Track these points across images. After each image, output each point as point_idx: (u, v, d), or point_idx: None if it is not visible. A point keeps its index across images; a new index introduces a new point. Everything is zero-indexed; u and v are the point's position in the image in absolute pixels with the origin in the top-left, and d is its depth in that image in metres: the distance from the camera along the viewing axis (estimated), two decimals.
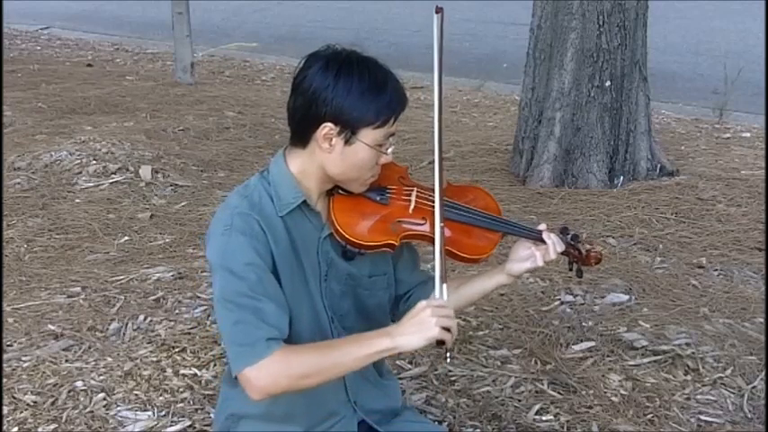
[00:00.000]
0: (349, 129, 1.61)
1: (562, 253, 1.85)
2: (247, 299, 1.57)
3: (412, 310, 1.57)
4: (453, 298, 1.88)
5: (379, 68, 1.65)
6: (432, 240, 1.70)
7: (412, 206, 1.75)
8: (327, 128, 1.61)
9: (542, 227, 1.84)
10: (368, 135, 1.63)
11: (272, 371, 1.55)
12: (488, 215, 1.82)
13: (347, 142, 1.63)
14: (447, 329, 1.54)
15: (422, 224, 1.74)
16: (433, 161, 1.72)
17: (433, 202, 1.72)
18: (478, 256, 1.81)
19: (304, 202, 1.69)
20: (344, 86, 1.59)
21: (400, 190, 1.77)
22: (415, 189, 1.78)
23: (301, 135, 1.66)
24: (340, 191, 1.73)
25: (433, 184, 1.72)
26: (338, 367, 1.59)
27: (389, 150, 1.69)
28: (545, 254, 1.80)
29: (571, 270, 1.91)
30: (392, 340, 1.55)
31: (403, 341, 1.55)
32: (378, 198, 1.75)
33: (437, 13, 1.69)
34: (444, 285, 1.63)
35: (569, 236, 1.89)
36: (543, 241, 1.80)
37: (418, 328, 1.54)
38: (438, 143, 1.73)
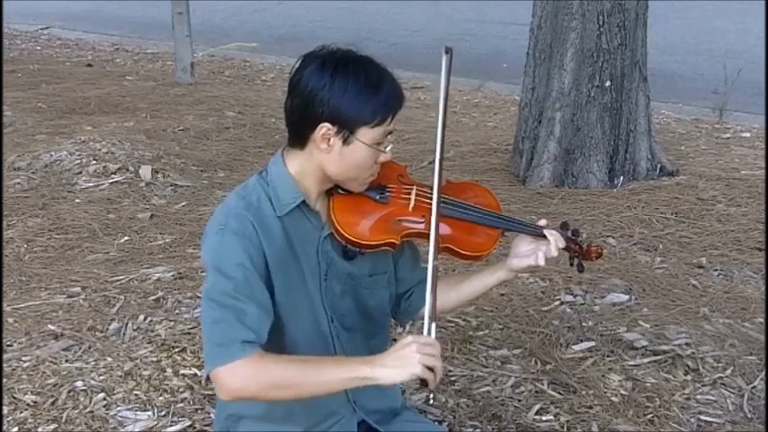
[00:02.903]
0: (347, 128, 1.61)
1: (563, 248, 1.85)
2: (231, 299, 1.56)
3: (397, 343, 1.55)
4: (455, 294, 1.89)
5: (374, 67, 1.64)
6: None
7: (412, 204, 1.75)
8: (325, 128, 1.61)
9: (543, 222, 1.84)
10: (366, 134, 1.62)
11: (242, 374, 1.53)
12: (488, 212, 1.82)
13: (345, 142, 1.62)
14: (431, 369, 1.50)
15: (422, 222, 1.73)
16: (434, 161, 1.72)
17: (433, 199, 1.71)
18: (478, 254, 1.81)
19: (303, 201, 1.69)
20: (340, 86, 1.59)
21: (400, 188, 1.77)
22: (415, 187, 1.78)
23: (299, 136, 1.66)
24: (339, 190, 1.73)
25: (432, 182, 1.71)
26: (311, 386, 1.55)
27: (388, 148, 1.69)
28: (547, 251, 1.79)
29: (572, 265, 1.92)
30: (372, 370, 1.51)
31: (382, 373, 1.51)
32: (377, 197, 1.74)
33: (446, 53, 1.67)
34: (433, 324, 1.59)
35: (569, 231, 1.89)
36: (544, 237, 1.80)
37: (400, 363, 1.51)
38: (438, 168, 1.71)
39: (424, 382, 1.52)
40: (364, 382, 1.53)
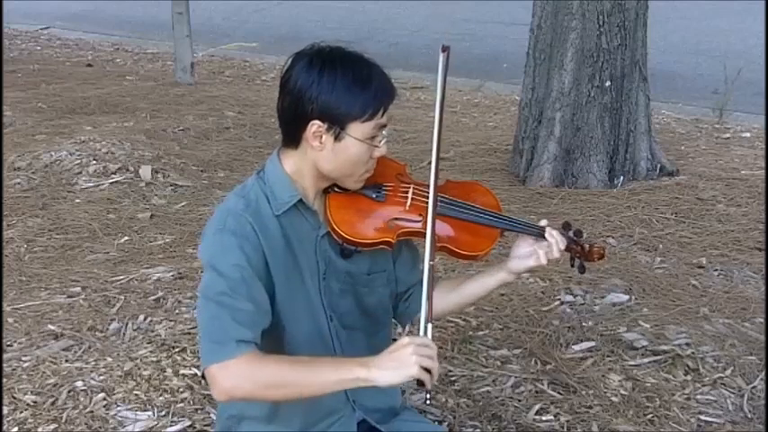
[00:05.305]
0: (337, 124, 1.61)
1: (564, 249, 1.84)
2: (227, 298, 1.56)
3: (394, 344, 1.53)
4: (455, 297, 1.88)
5: (363, 62, 1.64)
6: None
7: (408, 203, 1.75)
8: (316, 125, 1.61)
9: (543, 222, 1.83)
10: (357, 129, 1.62)
11: (236, 373, 1.52)
12: (487, 211, 1.81)
13: (337, 138, 1.62)
14: (427, 370, 1.48)
15: (418, 221, 1.73)
16: (431, 162, 1.71)
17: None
18: (476, 253, 1.80)
19: (300, 200, 1.69)
20: (328, 82, 1.59)
21: (397, 187, 1.77)
22: (412, 186, 1.77)
23: (292, 136, 1.66)
24: (336, 188, 1.73)
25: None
26: (306, 387, 1.54)
27: (382, 143, 1.68)
28: (548, 252, 1.78)
29: (573, 266, 1.90)
30: (368, 371, 1.49)
31: (378, 375, 1.49)
32: (374, 195, 1.74)
33: (443, 51, 1.67)
34: (429, 325, 1.57)
35: (571, 232, 1.88)
36: (545, 238, 1.79)
37: (397, 365, 1.49)
38: (434, 170, 1.69)
39: (420, 383, 1.50)
40: (360, 383, 1.51)
